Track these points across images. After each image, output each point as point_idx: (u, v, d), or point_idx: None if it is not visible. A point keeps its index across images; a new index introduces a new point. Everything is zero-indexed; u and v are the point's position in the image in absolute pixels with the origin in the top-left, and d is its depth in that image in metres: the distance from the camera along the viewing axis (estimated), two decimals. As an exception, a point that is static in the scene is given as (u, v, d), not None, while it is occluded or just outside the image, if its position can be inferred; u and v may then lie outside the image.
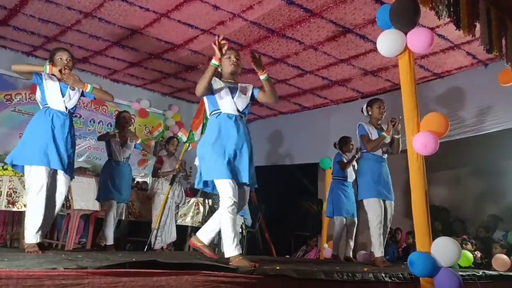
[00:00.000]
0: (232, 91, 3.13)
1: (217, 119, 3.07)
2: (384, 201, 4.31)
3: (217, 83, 3.13)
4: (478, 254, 5.34)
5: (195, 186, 3.23)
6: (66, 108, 3.55)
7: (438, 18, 3.20)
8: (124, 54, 6.07)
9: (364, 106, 4.58)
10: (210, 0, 4.41)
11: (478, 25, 3.57)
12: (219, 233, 3.12)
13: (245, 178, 2.99)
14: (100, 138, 5.43)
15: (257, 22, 4.78)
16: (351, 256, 5.33)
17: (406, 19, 3.05)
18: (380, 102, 4.50)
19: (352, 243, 5.35)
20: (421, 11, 3.10)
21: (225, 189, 2.92)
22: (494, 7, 3.73)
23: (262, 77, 3.08)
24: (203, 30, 5.08)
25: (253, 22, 4.77)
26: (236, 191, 2.95)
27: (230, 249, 2.88)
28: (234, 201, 2.91)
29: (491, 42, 3.63)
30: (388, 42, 3.10)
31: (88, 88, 3.60)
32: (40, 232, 3.32)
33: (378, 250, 4.20)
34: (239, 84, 3.23)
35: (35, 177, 3.32)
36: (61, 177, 3.51)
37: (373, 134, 4.37)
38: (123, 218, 5.90)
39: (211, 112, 3.15)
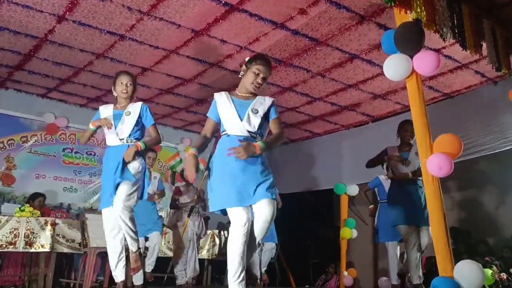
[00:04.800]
0: (242, 109, 2.79)
1: (223, 142, 2.79)
2: (417, 226, 4.13)
3: (223, 101, 2.84)
4: (504, 275, 5.16)
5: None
6: (121, 139, 3.54)
7: (443, 40, 3.22)
8: (136, 91, 6.18)
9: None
10: (217, 35, 4.51)
11: (484, 44, 3.60)
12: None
13: (256, 198, 2.66)
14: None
15: (264, 53, 4.85)
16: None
17: (411, 43, 3.04)
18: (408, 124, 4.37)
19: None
20: (425, 34, 3.10)
21: (235, 217, 2.65)
22: (499, 26, 3.75)
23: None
24: (211, 63, 5.18)
25: (260, 53, 4.85)
26: (245, 217, 2.64)
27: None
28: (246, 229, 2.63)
29: (499, 61, 3.64)
30: (394, 66, 3.10)
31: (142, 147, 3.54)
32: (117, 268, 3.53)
33: (414, 275, 4.02)
34: (253, 101, 2.83)
35: (104, 220, 3.52)
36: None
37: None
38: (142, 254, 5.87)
39: (222, 132, 2.87)
